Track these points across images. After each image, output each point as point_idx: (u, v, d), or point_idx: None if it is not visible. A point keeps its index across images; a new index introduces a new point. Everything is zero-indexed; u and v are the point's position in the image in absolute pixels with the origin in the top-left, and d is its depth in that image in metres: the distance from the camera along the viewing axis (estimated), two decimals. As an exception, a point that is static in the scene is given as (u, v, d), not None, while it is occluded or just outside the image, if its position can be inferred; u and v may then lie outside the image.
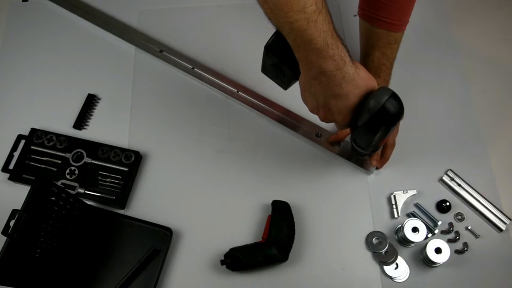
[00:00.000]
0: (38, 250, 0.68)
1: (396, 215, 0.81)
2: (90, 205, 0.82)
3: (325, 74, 0.58)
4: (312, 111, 0.68)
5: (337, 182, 0.84)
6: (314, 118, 0.86)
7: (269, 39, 0.60)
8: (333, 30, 0.56)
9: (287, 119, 0.88)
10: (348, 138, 0.87)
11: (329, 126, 0.88)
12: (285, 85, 0.68)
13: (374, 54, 0.81)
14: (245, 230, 0.81)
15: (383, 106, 0.58)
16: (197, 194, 0.84)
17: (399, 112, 0.59)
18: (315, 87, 0.61)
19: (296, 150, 0.87)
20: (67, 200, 0.73)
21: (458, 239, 0.79)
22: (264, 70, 0.68)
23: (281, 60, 0.61)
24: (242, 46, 0.96)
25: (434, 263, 0.75)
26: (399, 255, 0.77)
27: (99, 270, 0.78)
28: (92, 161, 0.86)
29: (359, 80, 0.60)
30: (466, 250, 0.78)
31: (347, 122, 0.65)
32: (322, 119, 0.67)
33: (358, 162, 0.84)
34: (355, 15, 0.94)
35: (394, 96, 0.59)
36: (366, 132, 0.63)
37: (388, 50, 0.81)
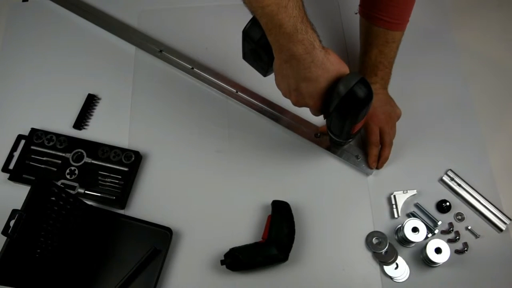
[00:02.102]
0: (38, 250, 0.68)
1: (396, 215, 0.81)
2: (90, 205, 0.82)
3: (295, 58, 0.59)
4: (284, 95, 0.69)
5: (337, 182, 0.84)
6: (314, 119, 0.87)
7: (247, 24, 0.62)
8: (303, 16, 0.58)
9: (287, 120, 0.88)
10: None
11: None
12: (264, 71, 0.69)
13: (372, 52, 0.82)
14: (245, 230, 0.81)
15: (351, 90, 0.60)
16: (197, 194, 0.84)
17: (367, 96, 0.61)
18: (286, 70, 0.62)
19: (296, 150, 0.87)
20: (67, 200, 0.73)
21: (458, 239, 0.79)
22: (245, 56, 0.69)
23: (257, 45, 0.63)
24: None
25: (434, 263, 0.75)
26: (399, 255, 0.77)
27: (99, 270, 0.78)
28: (92, 161, 0.86)
29: (328, 64, 0.61)
30: (466, 250, 0.78)
31: (318, 106, 0.66)
32: (294, 103, 0.68)
33: (354, 161, 0.84)
34: (356, 13, 0.94)
35: (363, 81, 0.60)
36: (337, 117, 0.65)
37: (386, 49, 0.81)
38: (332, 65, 0.61)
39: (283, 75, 0.64)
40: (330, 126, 0.70)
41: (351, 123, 0.65)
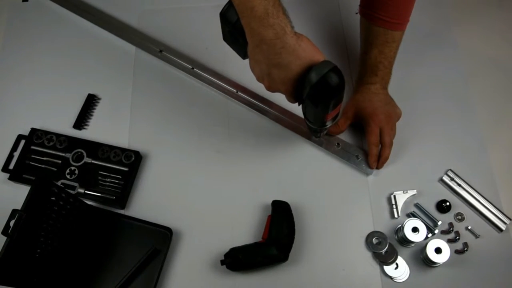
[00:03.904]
0: (38, 250, 0.68)
1: (396, 215, 0.81)
2: (90, 205, 0.82)
3: (266, 42, 0.59)
4: (258, 79, 0.69)
5: (337, 182, 0.84)
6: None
7: (224, 6, 0.63)
8: (275, 0, 0.58)
9: (286, 120, 0.88)
10: (346, 138, 0.87)
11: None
12: (243, 54, 0.69)
13: (372, 51, 0.82)
14: (245, 230, 0.81)
15: (323, 78, 0.59)
16: (197, 194, 0.84)
17: (339, 85, 0.60)
18: (258, 55, 0.62)
19: (296, 150, 0.87)
20: (67, 200, 0.73)
21: (458, 239, 0.79)
22: (225, 38, 0.70)
23: (233, 27, 0.63)
24: (242, 46, 0.96)
25: (434, 263, 0.75)
26: (399, 255, 0.77)
27: (99, 270, 0.78)
28: (92, 161, 0.86)
29: (300, 51, 0.60)
30: (466, 250, 0.78)
31: (290, 92, 0.66)
32: (267, 89, 0.68)
33: (354, 161, 0.84)
34: (356, 13, 0.94)
35: (335, 69, 0.60)
36: (310, 104, 0.64)
37: (386, 49, 0.81)
38: (304, 52, 0.60)
39: (255, 60, 0.64)
40: (305, 113, 0.70)
41: (323, 112, 0.65)
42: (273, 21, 0.57)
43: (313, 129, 0.75)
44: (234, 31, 0.64)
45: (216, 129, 0.89)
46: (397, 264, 0.77)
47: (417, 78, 0.93)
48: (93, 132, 0.91)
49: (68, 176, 0.85)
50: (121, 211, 0.83)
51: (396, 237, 0.80)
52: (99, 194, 0.84)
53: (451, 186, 0.83)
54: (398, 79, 0.87)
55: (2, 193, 0.86)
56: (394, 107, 0.84)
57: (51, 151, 0.87)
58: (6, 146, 0.88)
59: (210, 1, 1.01)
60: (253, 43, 0.61)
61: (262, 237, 0.77)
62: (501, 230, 0.80)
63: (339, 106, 0.66)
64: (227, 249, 0.76)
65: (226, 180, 0.85)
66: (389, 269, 0.77)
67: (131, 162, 0.85)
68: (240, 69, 0.92)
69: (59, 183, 0.85)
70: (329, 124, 0.71)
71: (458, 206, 0.82)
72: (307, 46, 0.61)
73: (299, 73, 0.62)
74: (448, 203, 0.81)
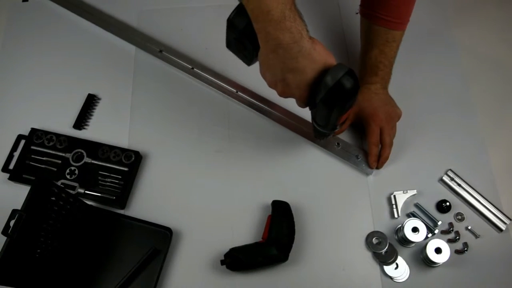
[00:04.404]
0: (38, 250, 0.68)
1: (396, 215, 0.81)
2: (90, 205, 0.82)
3: (282, 47, 0.58)
4: (270, 85, 0.68)
5: (337, 182, 0.84)
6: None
7: (232, 13, 0.61)
8: (292, 3, 0.57)
9: (287, 120, 0.88)
10: (346, 138, 0.87)
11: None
12: (248, 61, 0.68)
13: (372, 51, 0.82)
14: (245, 230, 0.81)
15: (339, 81, 0.59)
16: (197, 194, 0.84)
17: (354, 88, 0.60)
18: (272, 60, 0.61)
19: (296, 150, 0.87)
20: (67, 200, 0.73)
21: (458, 239, 0.79)
22: (229, 45, 0.68)
23: (242, 33, 0.62)
24: (242, 46, 0.95)
25: (434, 263, 0.75)
26: (399, 255, 0.77)
27: (99, 270, 0.78)
28: (92, 161, 0.86)
29: (315, 54, 0.60)
30: (466, 250, 0.78)
31: (304, 97, 0.65)
32: (280, 94, 0.67)
33: (354, 161, 0.84)
34: (356, 13, 0.94)
35: (350, 72, 0.60)
36: (324, 108, 0.64)
37: (387, 48, 0.81)
38: (319, 56, 0.60)
39: (269, 65, 0.63)
40: (316, 117, 0.70)
41: (338, 115, 0.65)
42: (290, 25, 0.56)
43: (321, 133, 0.74)
44: (242, 37, 0.63)
45: (216, 129, 0.89)
46: (397, 264, 0.77)
47: (417, 78, 0.93)
48: (93, 132, 0.91)
49: (68, 176, 0.85)
50: (121, 211, 0.83)
51: (396, 237, 0.80)
52: (99, 194, 0.84)
53: (451, 186, 0.83)
54: (398, 79, 0.87)
55: (2, 193, 0.86)
56: (394, 107, 0.84)
57: (51, 151, 0.87)
58: (6, 146, 0.88)
59: (210, 1, 1.01)
60: (268, 48, 0.60)
61: (262, 237, 0.77)
62: (501, 230, 0.80)
63: (351, 109, 0.66)
64: (227, 249, 0.76)
65: (226, 180, 0.85)
66: (389, 269, 0.77)
67: (131, 162, 0.85)
68: (240, 69, 0.92)
69: (59, 183, 0.85)
70: (338, 127, 0.71)
71: (458, 206, 0.82)
72: (321, 50, 0.61)
73: (314, 78, 0.61)
74: (448, 203, 0.81)
